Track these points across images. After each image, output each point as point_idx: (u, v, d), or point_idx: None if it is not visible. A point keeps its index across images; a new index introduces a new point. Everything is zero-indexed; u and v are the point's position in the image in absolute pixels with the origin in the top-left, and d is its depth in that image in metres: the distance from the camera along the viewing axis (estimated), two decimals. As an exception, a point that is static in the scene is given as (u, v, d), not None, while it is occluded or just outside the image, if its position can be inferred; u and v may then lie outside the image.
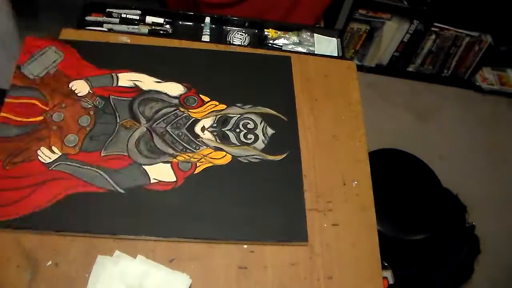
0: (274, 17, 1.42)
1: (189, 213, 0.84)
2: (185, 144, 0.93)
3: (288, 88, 1.05)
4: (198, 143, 0.93)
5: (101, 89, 0.98)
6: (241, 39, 1.19)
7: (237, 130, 0.96)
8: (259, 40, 1.20)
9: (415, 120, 2.26)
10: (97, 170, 0.86)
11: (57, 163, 0.86)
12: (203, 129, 0.95)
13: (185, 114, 0.97)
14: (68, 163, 0.87)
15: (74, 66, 1.00)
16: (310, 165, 0.95)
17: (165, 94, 0.99)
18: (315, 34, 1.23)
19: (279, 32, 1.21)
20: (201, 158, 0.91)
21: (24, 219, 0.79)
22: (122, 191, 0.84)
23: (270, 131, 0.97)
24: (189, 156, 0.91)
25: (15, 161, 0.86)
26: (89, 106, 0.95)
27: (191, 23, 1.21)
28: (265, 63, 1.10)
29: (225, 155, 0.92)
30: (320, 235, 0.87)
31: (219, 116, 0.97)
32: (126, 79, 1.01)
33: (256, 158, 0.93)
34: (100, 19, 1.15)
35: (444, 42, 2.26)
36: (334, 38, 1.23)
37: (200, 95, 1.00)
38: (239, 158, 0.92)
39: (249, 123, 0.97)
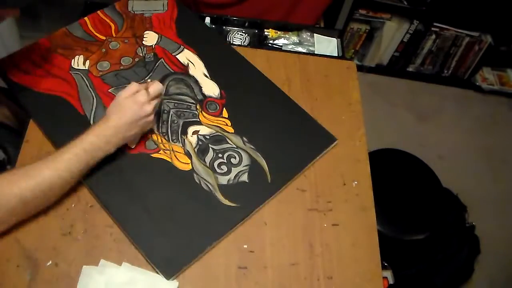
0: (274, 17, 1.42)
1: (122, 184, 0.85)
2: (169, 131, 0.94)
3: (303, 162, 0.94)
4: (179, 139, 0.93)
5: (161, 50, 1.07)
6: (241, 39, 1.19)
7: (220, 155, 0.92)
8: (259, 40, 1.20)
9: (415, 120, 2.26)
10: (94, 96, 0.96)
11: (77, 72, 1.00)
12: (195, 132, 0.94)
13: (195, 112, 0.97)
14: (84, 78, 0.99)
15: (164, 23, 1.12)
16: (310, 165, 0.95)
17: (200, 87, 1.02)
18: (315, 34, 1.23)
19: (279, 32, 1.21)
20: (167, 150, 0.91)
21: (25, 88, 0.95)
22: (91, 123, 0.92)
23: (244, 177, 0.89)
24: (162, 140, 0.92)
25: (59, 50, 1.03)
26: (140, 54, 1.04)
27: (191, 23, 1.21)
28: (309, 129, 0.99)
29: (188, 163, 0.90)
30: (320, 235, 0.87)
31: (218, 134, 0.95)
32: (186, 56, 1.07)
33: (209, 187, 0.87)
34: (100, 19, 1.15)
35: (444, 42, 2.26)
36: (334, 38, 1.23)
37: (225, 108, 0.99)
38: (195, 175, 0.88)
39: (235, 158, 0.92)
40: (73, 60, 1.02)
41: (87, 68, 1.01)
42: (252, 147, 0.93)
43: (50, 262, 0.76)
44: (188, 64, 1.05)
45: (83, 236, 0.80)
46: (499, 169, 2.12)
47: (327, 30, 1.26)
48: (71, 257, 0.78)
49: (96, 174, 0.84)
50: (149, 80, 0.90)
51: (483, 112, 2.36)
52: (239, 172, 0.90)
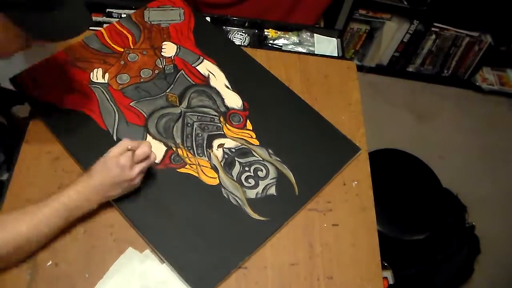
0: (274, 17, 1.42)
1: (148, 201, 0.84)
2: (194, 145, 0.93)
3: (330, 173, 0.94)
4: (205, 152, 0.92)
5: (181, 61, 1.05)
6: (241, 39, 1.19)
7: (246, 168, 0.91)
8: (259, 40, 1.20)
9: (415, 120, 2.26)
10: (116, 111, 0.95)
11: (96, 86, 0.98)
12: (220, 145, 0.93)
13: (219, 125, 0.96)
14: (104, 91, 0.97)
15: (181, 33, 1.09)
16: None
17: (222, 99, 1.00)
18: (315, 34, 1.23)
19: (279, 32, 1.21)
20: (194, 164, 0.90)
21: (45, 104, 0.93)
22: (115, 138, 0.90)
23: (272, 190, 0.89)
24: (187, 155, 0.91)
25: (77, 63, 1.01)
26: (160, 66, 1.03)
27: (191, 23, 1.21)
28: (333, 139, 0.99)
29: (215, 177, 0.89)
30: (320, 235, 0.87)
31: (243, 147, 0.94)
32: (206, 67, 1.05)
33: (238, 201, 0.87)
34: (100, 19, 1.15)
35: (444, 42, 2.26)
36: (334, 38, 1.23)
37: (248, 120, 0.98)
38: (223, 189, 0.88)
39: (261, 171, 0.91)
40: (91, 73, 0.99)
41: (106, 82, 0.99)
42: (278, 159, 0.93)
43: (50, 262, 0.76)
44: (208, 75, 1.03)
45: (83, 236, 0.80)
46: (499, 169, 2.12)
47: (327, 30, 1.26)
48: (71, 257, 0.78)
49: None
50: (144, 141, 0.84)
51: (483, 112, 2.36)
52: (266, 185, 0.89)
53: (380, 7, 2.12)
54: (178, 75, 1.02)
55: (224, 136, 0.95)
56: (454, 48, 2.29)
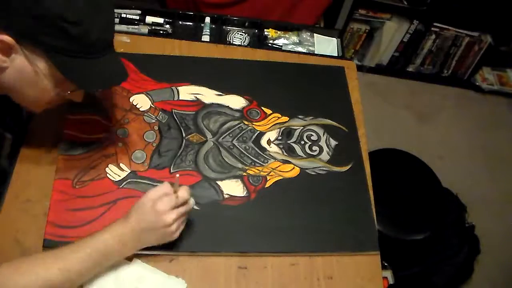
0: (274, 17, 1.42)
1: (263, 227, 0.84)
2: (253, 158, 0.93)
3: (345, 98, 1.05)
4: (266, 156, 0.93)
5: (162, 103, 0.97)
6: (241, 39, 1.19)
7: (302, 142, 0.96)
8: (259, 40, 1.20)
9: (415, 120, 2.26)
10: None
11: (127, 181, 0.85)
12: (269, 142, 0.95)
13: (249, 128, 0.97)
14: (139, 180, 0.86)
15: (133, 80, 0.99)
16: None
17: (228, 107, 0.99)
18: (315, 34, 1.23)
19: (279, 32, 1.21)
20: (270, 172, 0.91)
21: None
22: (196, 207, 0.83)
23: (333, 142, 0.97)
24: (258, 170, 0.91)
25: (84, 179, 0.84)
26: (153, 121, 0.94)
27: (191, 23, 1.21)
28: (319, 73, 1.10)
29: (293, 167, 0.92)
30: (320, 235, 0.87)
31: (283, 128, 0.97)
32: (186, 92, 1.00)
33: (323, 170, 0.93)
34: (100, 19, 1.15)
35: (444, 42, 2.26)
36: (334, 38, 1.23)
37: (262, 107, 1.00)
38: (307, 171, 0.92)
39: (312, 135, 0.97)
40: (110, 176, 0.86)
41: (130, 171, 0.87)
42: (311, 117, 1.00)
43: (50, 262, 0.76)
44: (196, 97, 1.00)
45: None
46: (499, 169, 2.12)
47: (327, 30, 1.26)
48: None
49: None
50: (178, 176, 0.75)
51: (483, 112, 2.36)
52: (325, 140, 0.97)
53: (380, 7, 2.12)
54: (175, 117, 0.96)
55: (262, 133, 0.97)
56: (454, 48, 2.29)
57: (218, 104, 1.00)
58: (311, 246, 0.84)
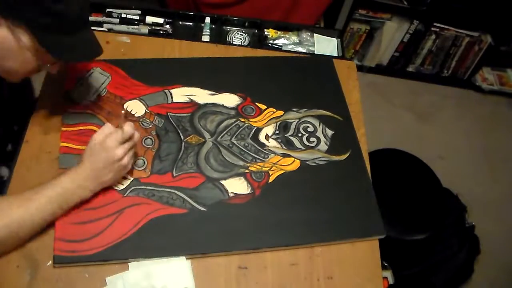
0: (274, 17, 1.42)
1: (272, 222, 0.84)
2: (253, 154, 0.93)
3: (336, 88, 1.07)
4: (266, 152, 0.94)
5: (157, 107, 0.97)
6: (241, 39, 1.19)
7: (299, 134, 0.97)
8: (259, 40, 1.20)
9: (415, 120, 2.25)
10: (173, 191, 0.85)
11: (131, 189, 0.85)
12: (267, 137, 0.96)
13: (246, 124, 0.97)
14: (142, 187, 0.85)
15: (124, 86, 0.98)
16: None
17: (222, 105, 0.99)
18: (315, 34, 1.23)
19: (279, 32, 1.21)
20: (272, 167, 0.92)
21: (111, 250, 0.77)
22: (203, 209, 0.83)
23: (329, 132, 0.99)
24: (260, 166, 0.92)
25: (91, 207, 0.81)
26: (149, 126, 0.94)
27: (191, 23, 1.21)
28: (308, 65, 1.11)
29: (294, 160, 0.93)
30: (320, 235, 0.87)
31: (279, 122, 0.98)
32: (179, 94, 0.99)
33: (323, 160, 0.94)
34: (100, 19, 1.15)
35: (444, 42, 2.26)
36: (334, 38, 1.23)
37: (256, 103, 1.01)
38: (307, 162, 0.93)
39: (308, 127, 0.98)
40: (116, 186, 0.85)
41: (133, 179, 0.86)
42: (305, 108, 1.01)
43: (50, 262, 0.76)
44: (190, 99, 0.99)
45: (83, 236, 0.80)
46: (499, 169, 2.12)
47: (327, 30, 1.26)
48: (71, 257, 0.77)
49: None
50: (122, 112, 0.80)
51: (483, 112, 2.36)
52: (322, 131, 0.98)
53: (380, 7, 2.12)
54: (171, 120, 0.95)
55: (259, 129, 0.97)
56: (454, 48, 2.29)
57: (212, 103, 1.00)
58: (323, 235, 0.85)
